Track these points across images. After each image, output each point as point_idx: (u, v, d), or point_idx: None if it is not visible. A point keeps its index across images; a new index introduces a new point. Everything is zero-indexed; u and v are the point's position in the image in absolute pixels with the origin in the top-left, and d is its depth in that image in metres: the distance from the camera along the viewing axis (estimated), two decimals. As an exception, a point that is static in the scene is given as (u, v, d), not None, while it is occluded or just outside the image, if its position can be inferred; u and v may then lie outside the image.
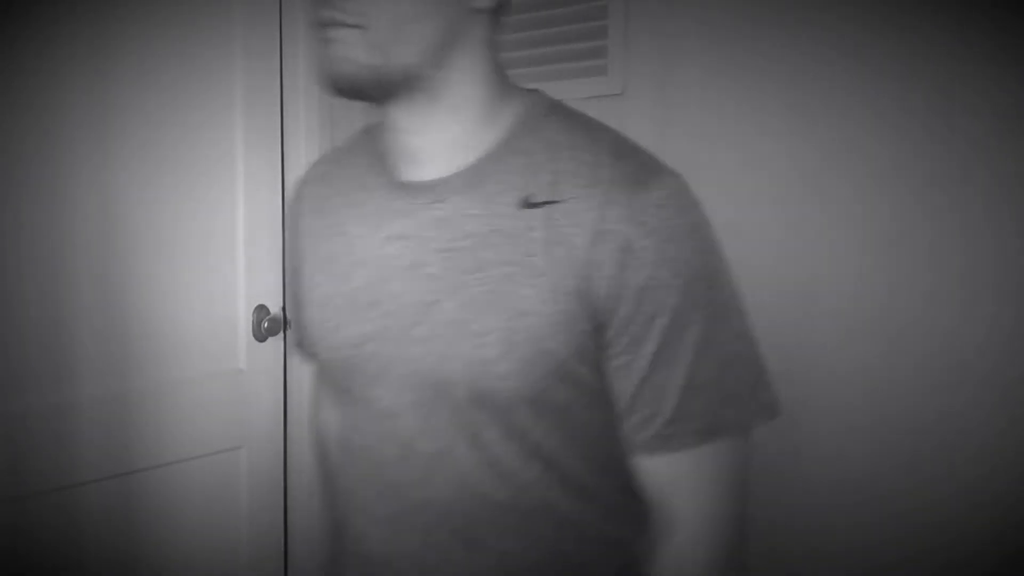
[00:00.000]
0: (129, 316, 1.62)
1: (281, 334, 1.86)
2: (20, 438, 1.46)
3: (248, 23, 1.77)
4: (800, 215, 1.27)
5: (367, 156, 0.84)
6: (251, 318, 1.80)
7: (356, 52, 0.68)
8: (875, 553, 1.23)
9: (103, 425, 1.58)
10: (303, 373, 1.86)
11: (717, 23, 1.34)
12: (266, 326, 1.81)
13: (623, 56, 1.49)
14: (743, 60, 1.31)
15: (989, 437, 1.13)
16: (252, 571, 1.84)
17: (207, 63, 1.72)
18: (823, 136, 1.24)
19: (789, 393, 1.30)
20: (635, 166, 0.70)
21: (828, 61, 1.23)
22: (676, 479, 0.71)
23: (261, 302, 1.82)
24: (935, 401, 1.17)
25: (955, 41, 1.12)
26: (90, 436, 1.55)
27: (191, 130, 1.70)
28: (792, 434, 1.29)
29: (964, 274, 1.14)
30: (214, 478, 1.77)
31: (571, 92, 1.58)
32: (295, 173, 1.93)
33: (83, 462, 1.55)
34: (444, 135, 0.74)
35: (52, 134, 1.49)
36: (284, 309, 1.84)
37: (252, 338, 1.81)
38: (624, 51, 1.49)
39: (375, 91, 0.71)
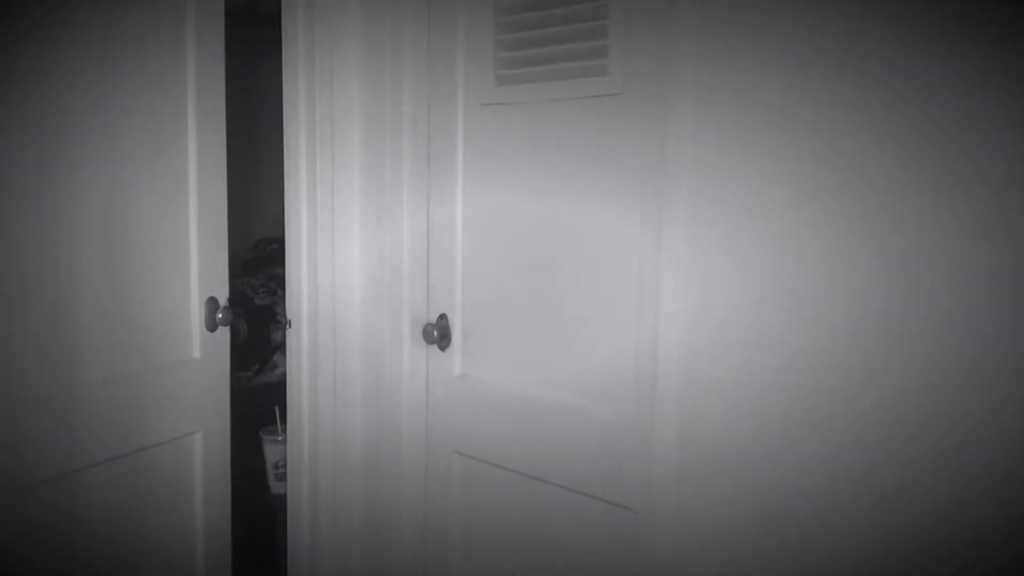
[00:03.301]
0: (85, 310, 1.64)
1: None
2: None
3: (199, 14, 1.83)
4: (801, 214, 1.27)
5: None
6: (203, 309, 1.89)
7: None
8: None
9: (60, 421, 1.60)
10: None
11: (717, 23, 1.34)
12: (220, 316, 1.91)
13: (623, 56, 1.50)
14: (743, 60, 1.31)
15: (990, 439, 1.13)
16: (205, 548, 1.97)
17: (157, 55, 1.74)
18: (824, 135, 1.24)
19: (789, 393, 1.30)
20: None
21: (829, 60, 1.23)
22: None
23: (211, 294, 1.91)
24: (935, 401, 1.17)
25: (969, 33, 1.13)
26: (44, 432, 1.57)
27: (143, 124, 1.73)
28: (791, 434, 1.29)
29: (961, 273, 1.14)
30: (173, 463, 1.86)
31: (571, 92, 1.58)
32: (295, 174, 1.93)
33: (39, 460, 1.56)
34: None
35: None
36: (224, 300, 1.94)
37: (204, 328, 1.90)
38: (624, 51, 1.50)
39: None
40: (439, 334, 1.84)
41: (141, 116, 1.72)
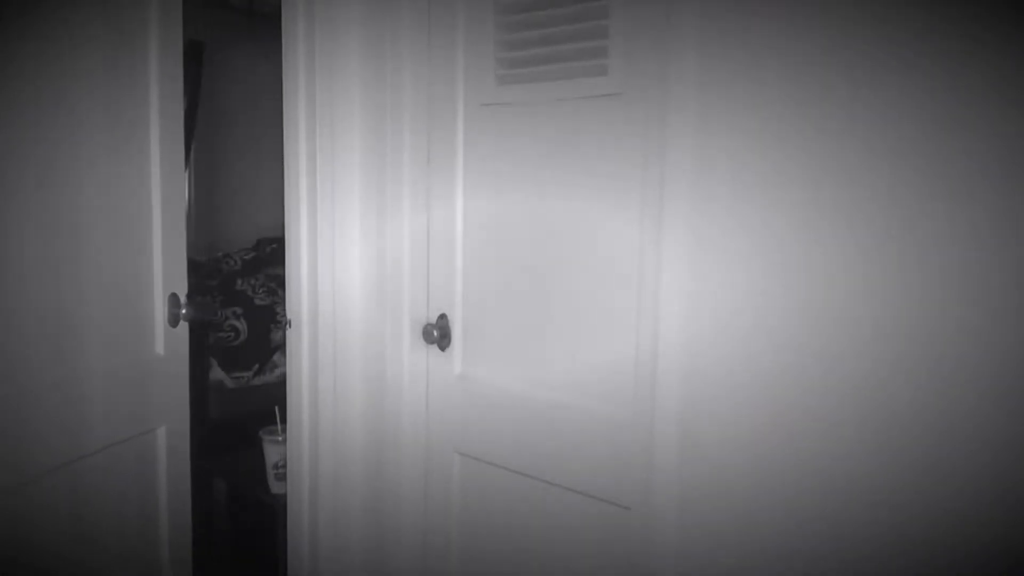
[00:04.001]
0: (55, 308, 1.66)
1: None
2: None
3: (162, 9, 1.85)
4: (802, 214, 1.27)
5: None
6: (166, 305, 1.95)
7: None
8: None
9: (27, 422, 1.60)
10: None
11: (718, 23, 1.34)
12: (184, 312, 1.97)
13: (623, 56, 1.50)
14: (744, 60, 1.32)
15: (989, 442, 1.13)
16: (169, 541, 2.03)
17: (117, 53, 1.76)
18: (825, 135, 1.24)
19: (789, 393, 1.30)
20: None
21: (831, 60, 1.23)
22: None
23: (173, 290, 1.96)
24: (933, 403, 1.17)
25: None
26: (8, 436, 1.57)
27: (107, 122, 1.75)
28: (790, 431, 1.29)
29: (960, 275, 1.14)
30: (139, 458, 1.91)
31: (571, 92, 1.58)
32: (295, 174, 1.94)
33: (5, 463, 1.57)
34: None
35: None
36: (187, 295, 2.00)
37: (167, 324, 1.95)
38: (624, 51, 1.50)
39: None
40: (439, 334, 1.84)
41: (108, 123, 1.75)
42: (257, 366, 3.74)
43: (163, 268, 1.92)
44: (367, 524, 2.01)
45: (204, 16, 5.75)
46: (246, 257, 4.81)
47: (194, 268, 4.56)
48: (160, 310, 1.93)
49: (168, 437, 1.98)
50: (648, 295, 1.45)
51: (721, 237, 1.34)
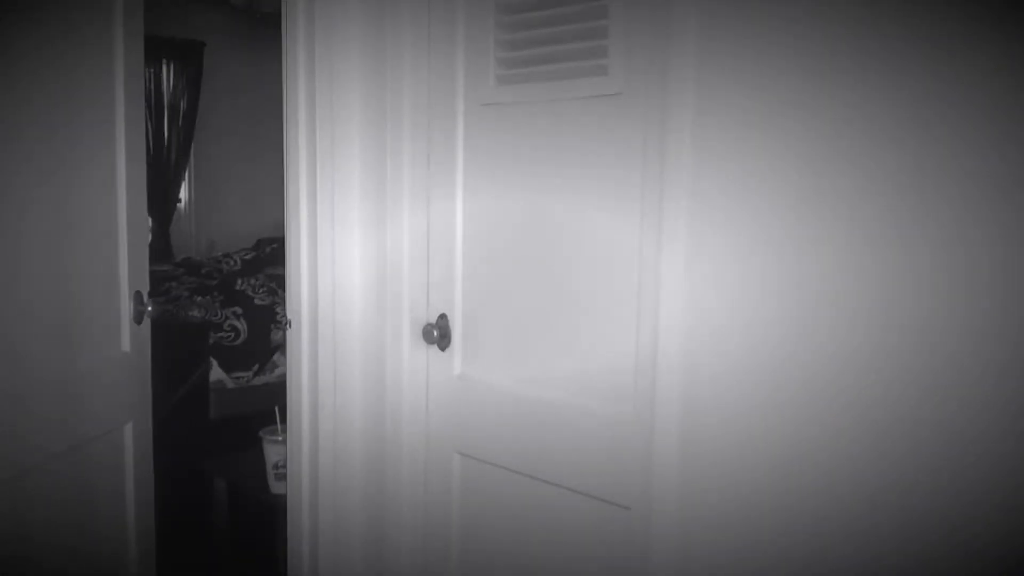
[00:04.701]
0: (24, 307, 1.68)
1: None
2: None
3: (127, 9, 1.88)
4: (802, 214, 1.27)
5: None
6: (131, 303, 2.00)
7: None
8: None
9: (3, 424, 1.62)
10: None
11: (718, 23, 1.34)
12: (150, 309, 2.03)
13: (623, 56, 1.50)
14: (744, 60, 1.32)
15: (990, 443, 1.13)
16: (136, 535, 2.08)
17: (81, 50, 1.79)
18: (826, 135, 1.24)
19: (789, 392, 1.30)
20: None
21: (831, 61, 1.23)
22: None
23: (137, 288, 2.01)
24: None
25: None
26: None
27: (73, 126, 1.78)
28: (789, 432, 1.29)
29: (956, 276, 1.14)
30: (108, 455, 1.95)
31: (571, 92, 1.58)
32: (295, 174, 1.94)
33: None
34: None
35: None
36: (148, 293, 2.05)
37: (133, 322, 2.00)
38: (624, 51, 1.50)
39: None
40: (439, 334, 1.84)
41: (79, 127, 1.79)
42: (257, 366, 3.74)
43: (128, 267, 1.97)
44: (367, 524, 2.01)
45: (204, 16, 5.77)
46: (246, 257, 4.81)
47: (194, 268, 4.59)
48: (126, 308, 1.98)
49: (135, 433, 2.03)
50: (648, 294, 1.45)
51: (721, 236, 1.34)
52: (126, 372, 2.00)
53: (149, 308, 2.04)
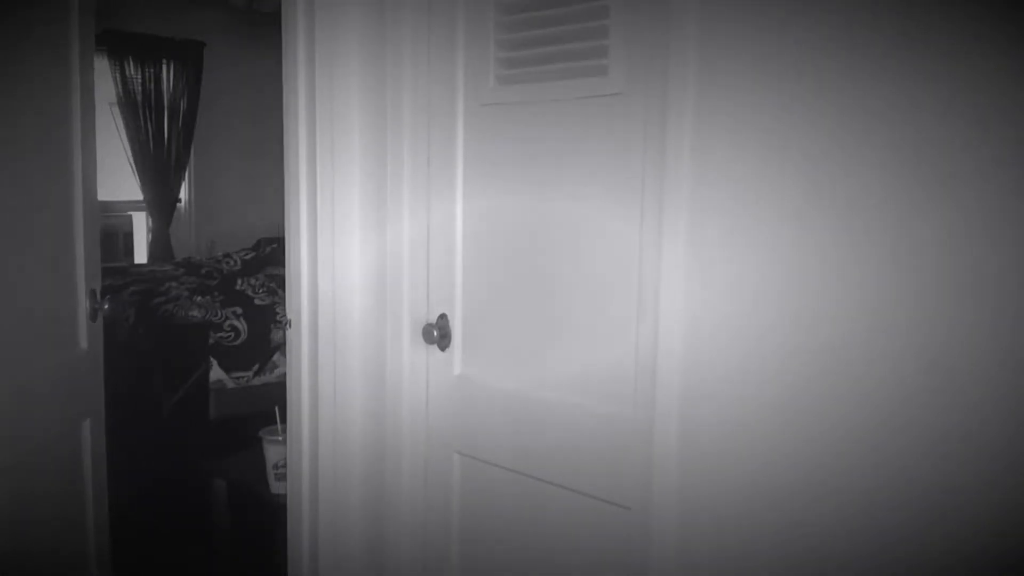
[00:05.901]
0: None
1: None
2: None
3: (84, 8, 1.91)
4: (802, 214, 1.27)
5: None
6: (87, 301, 2.03)
7: None
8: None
9: None
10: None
11: (718, 23, 1.34)
12: (107, 307, 2.08)
13: (623, 56, 1.50)
14: (744, 60, 1.32)
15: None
16: (95, 528, 2.14)
17: (41, 50, 1.82)
18: (826, 135, 1.24)
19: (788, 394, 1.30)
20: None
21: (831, 61, 1.23)
22: None
23: (92, 286, 2.04)
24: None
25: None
26: None
27: (26, 127, 1.80)
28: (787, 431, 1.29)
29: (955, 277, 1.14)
30: (67, 450, 2.00)
31: (571, 92, 1.58)
32: (295, 174, 1.94)
33: None
34: None
35: None
36: (99, 291, 2.09)
37: (89, 320, 2.05)
38: (624, 51, 1.50)
39: None
40: (439, 334, 1.84)
41: (33, 128, 1.82)
42: (257, 366, 3.74)
43: (85, 265, 2.00)
44: (367, 524, 2.01)
45: (204, 16, 5.77)
46: (246, 257, 4.81)
47: (194, 268, 4.59)
48: (83, 306, 2.01)
49: (92, 429, 2.07)
50: (648, 295, 1.45)
51: (721, 236, 1.34)
52: (84, 369, 2.04)
53: (106, 306, 2.08)
